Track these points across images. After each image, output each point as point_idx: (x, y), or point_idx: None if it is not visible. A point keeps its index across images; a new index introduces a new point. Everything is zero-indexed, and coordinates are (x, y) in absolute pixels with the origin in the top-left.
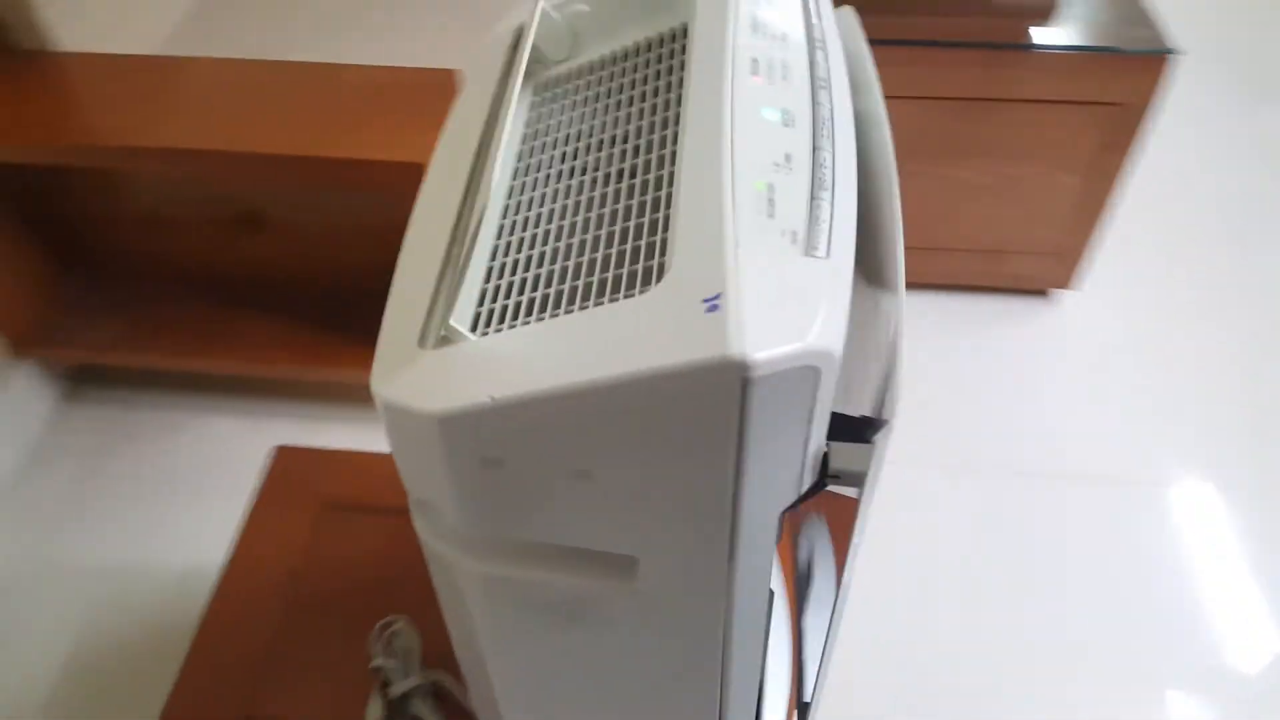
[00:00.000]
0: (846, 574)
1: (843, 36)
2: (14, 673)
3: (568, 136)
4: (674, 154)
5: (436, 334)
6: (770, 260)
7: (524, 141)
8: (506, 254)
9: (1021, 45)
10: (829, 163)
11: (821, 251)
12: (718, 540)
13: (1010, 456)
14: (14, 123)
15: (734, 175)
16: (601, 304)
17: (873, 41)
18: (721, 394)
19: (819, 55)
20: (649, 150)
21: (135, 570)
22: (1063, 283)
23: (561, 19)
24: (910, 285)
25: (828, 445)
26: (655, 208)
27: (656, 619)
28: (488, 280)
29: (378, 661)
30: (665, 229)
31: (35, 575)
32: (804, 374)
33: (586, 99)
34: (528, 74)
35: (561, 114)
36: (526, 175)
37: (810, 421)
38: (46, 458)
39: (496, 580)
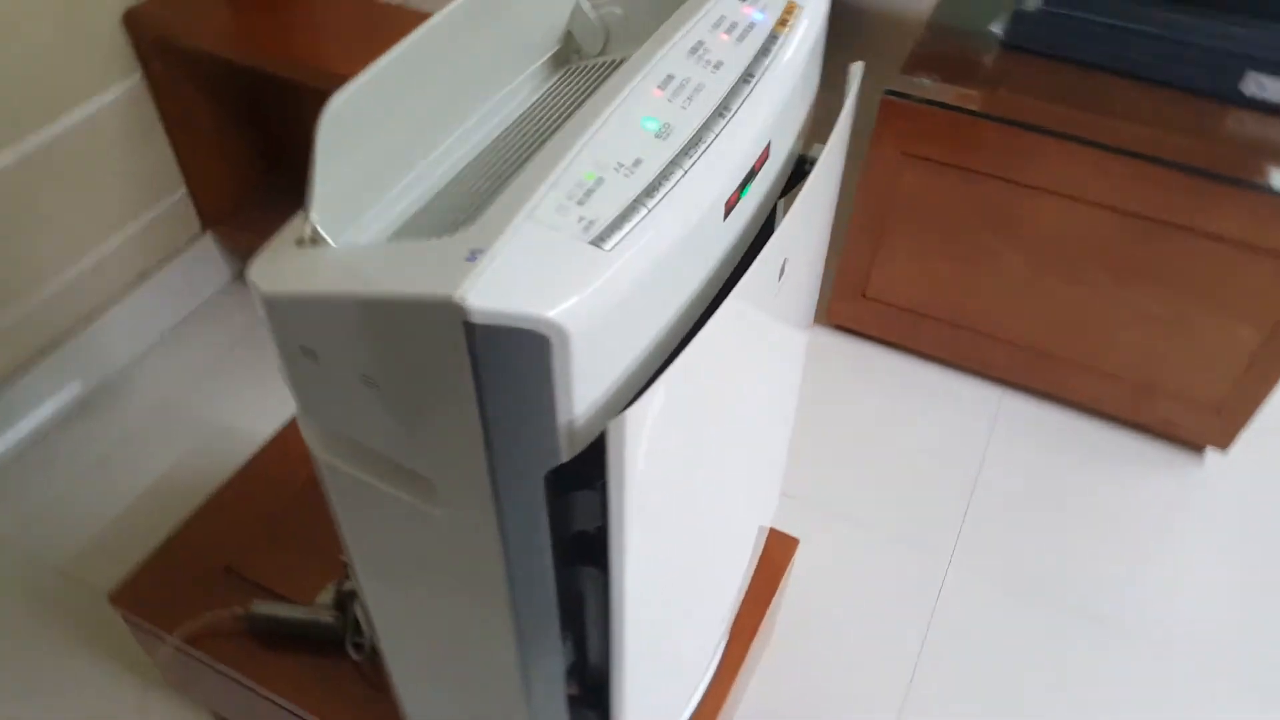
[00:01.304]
0: (614, 572)
1: (848, 89)
2: (111, 478)
3: (548, 114)
4: None
5: (308, 236)
6: (550, 238)
7: (532, 108)
8: (447, 191)
9: (1230, 178)
10: (675, 177)
11: (608, 246)
12: (480, 482)
13: (1116, 610)
14: (260, 36)
15: (571, 163)
16: (424, 240)
17: (1062, 136)
18: (449, 331)
19: (743, 88)
20: (556, 130)
21: (239, 431)
22: (1217, 441)
23: (596, 19)
24: (1055, 399)
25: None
26: (513, 174)
27: (455, 548)
28: (424, 208)
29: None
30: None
31: (163, 409)
32: (532, 339)
33: (579, 87)
34: (565, 58)
35: (561, 95)
36: (511, 135)
37: (552, 389)
38: (207, 319)
39: (338, 473)
